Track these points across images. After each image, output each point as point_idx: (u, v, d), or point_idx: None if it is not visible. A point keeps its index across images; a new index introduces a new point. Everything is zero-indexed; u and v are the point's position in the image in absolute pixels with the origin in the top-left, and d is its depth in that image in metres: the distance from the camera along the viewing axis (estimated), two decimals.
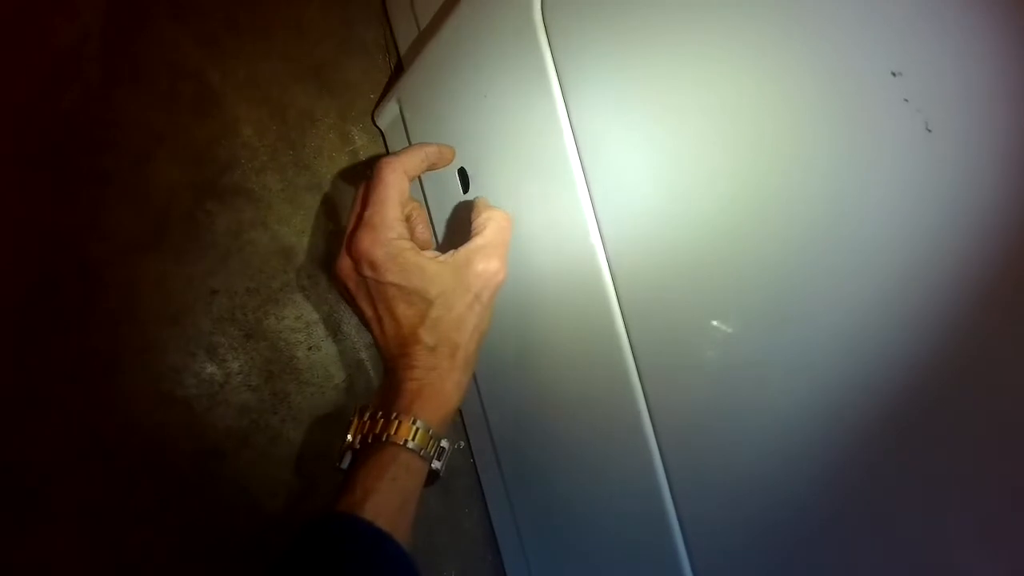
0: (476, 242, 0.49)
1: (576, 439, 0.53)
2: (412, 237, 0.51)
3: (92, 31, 0.58)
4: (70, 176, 0.57)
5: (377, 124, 0.70)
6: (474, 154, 0.55)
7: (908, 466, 0.30)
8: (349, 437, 0.48)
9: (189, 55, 0.62)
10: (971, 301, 0.26)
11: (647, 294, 0.42)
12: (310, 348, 0.65)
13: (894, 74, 0.24)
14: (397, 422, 0.45)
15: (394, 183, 0.50)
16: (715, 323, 0.37)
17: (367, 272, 0.49)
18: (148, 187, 0.59)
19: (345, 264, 0.51)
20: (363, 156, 0.70)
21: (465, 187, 0.57)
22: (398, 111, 0.66)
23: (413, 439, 0.45)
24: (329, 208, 0.68)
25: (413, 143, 0.64)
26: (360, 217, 0.50)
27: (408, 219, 0.53)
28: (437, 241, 0.61)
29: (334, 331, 0.66)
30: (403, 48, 0.69)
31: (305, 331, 0.65)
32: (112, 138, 0.58)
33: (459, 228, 0.58)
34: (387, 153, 0.71)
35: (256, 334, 0.62)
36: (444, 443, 0.48)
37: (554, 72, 0.44)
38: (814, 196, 0.30)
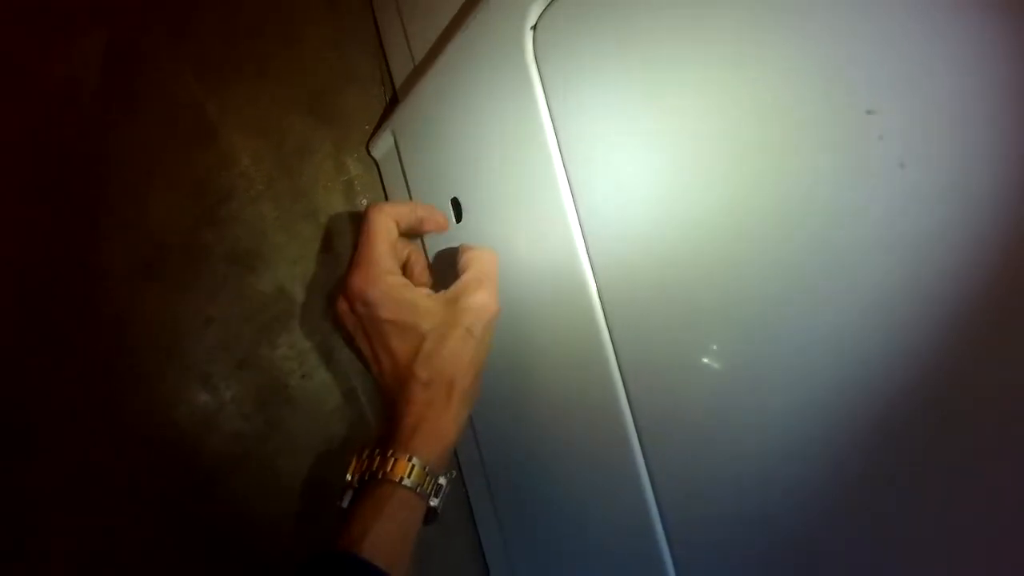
0: (463, 278, 0.50)
1: (565, 466, 0.53)
2: (411, 279, 0.53)
3: (92, 63, 0.59)
4: (68, 204, 0.57)
5: (372, 154, 0.71)
6: (467, 184, 0.56)
7: (894, 476, 0.30)
8: (348, 476, 0.48)
9: (187, 86, 0.63)
10: (948, 330, 0.26)
11: (635, 314, 0.43)
12: (303, 376, 0.65)
13: (869, 112, 0.25)
14: (393, 459, 0.46)
15: (379, 222, 0.52)
16: (704, 360, 0.38)
17: (361, 310, 0.51)
18: (146, 216, 0.60)
19: (342, 306, 0.53)
20: (358, 186, 0.71)
21: (458, 217, 0.58)
22: (392, 142, 0.67)
23: (409, 476, 0.45)
24: (324, 237, 0.68)
25: (407, 173, 0.65)
26: (352, 260, 0.52)
27: (407, 262, 0.55)
28: (435, 281, 0.62)
29: (327, 359, 0.67)
30: (398, 81, 0.71)
31: (298, 359, 0.65)
32: (110, 168, 0.59)
33: (454, 265, 0.59)
34: (381, 182, 0.72)
35: (250, 362, 0.63)
36: (442, 480, 0.48)
37: (545, 107, 0.45)
38: (794, 232, 0.31)
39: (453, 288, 0.50)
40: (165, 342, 0.59)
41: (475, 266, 0.51)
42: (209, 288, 0.61)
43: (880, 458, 0.31)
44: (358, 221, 0.70)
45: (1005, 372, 0.25)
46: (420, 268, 0.57)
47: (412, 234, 0.57)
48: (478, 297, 0.49)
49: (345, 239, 0.69)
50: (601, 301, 0.45)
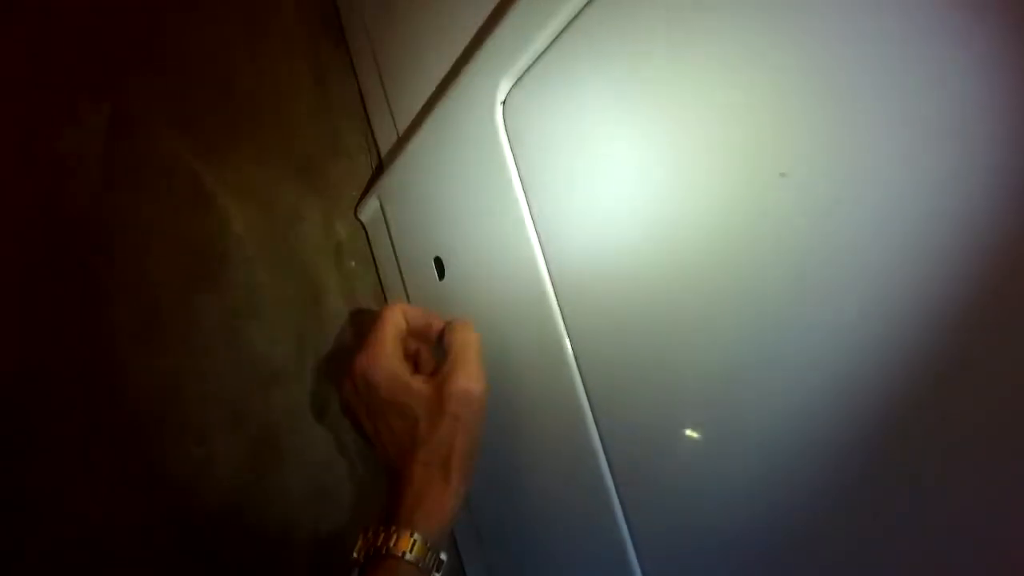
0: (447, 361, 0.53)
1: (547, 512, 0.56)
2: (418, 370, 0.57)
3: (95, 136, 0.63)
4: (70, 271, 0.61)
5: (359, 218, 0.76)
6: (448, 244, 0.60)
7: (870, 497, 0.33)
8: (355, 553, 0.50)
9: (185, 158, 0.67)
10: (880, 385, 0.30)
11: (602, 358, 0.46)
12: (294, 432, 0.68)
13: (782, 175, 0.29)
14: (396, 535, 0.48)
15: (390, 317, 0.56)
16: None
17: (363, 390, 0.55)
18: (144, 280, 0.63)
19: (347, 386, 0.56)
20: (346, 249, 0.75)
21: (441, 274, 0.62)
22: (379, 206, 0.71)
23: (411, 551, 0.47)
24: (314, 298, 0.72)
25: (393, 235, 0.70)
26: (360, 345, 0.56)
27: (417, 354, 0.59)
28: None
29: (318, 414, 0.69)
30: (383, 150, 0.75)
31: (290, 415, 0.68)
32: (111, 236, 0.62)
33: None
34: (368, 245, 0.76)
35: (243, 418, 0.65)
36: (443, 555, 0.50)
37: (516, 172, 0.50)
38: (724, 293, 0.35)
39: (440, 373, 0.53)
40: (160, 398, 0.62)
41: (456, 348, 0.54)
42: (204, 346, 0.64)
43: (853, 482, 0.33)
44: (346, 282, 0.74)
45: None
46: (429, 364, 0.60)
47: (420, 336, 0.60)
48: (461, 383, 0.51)
49: (334, 300, 0.73)
50: (573, 347, 0.49)
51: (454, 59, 0.58)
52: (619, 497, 0.47)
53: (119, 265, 0.62)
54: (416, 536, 0.48)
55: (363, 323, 0.58)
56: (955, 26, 0.25)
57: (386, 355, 0.54)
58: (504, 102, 0.50)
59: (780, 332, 0.33)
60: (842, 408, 0.32)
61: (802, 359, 0.32)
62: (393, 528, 0.48)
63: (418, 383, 0.53)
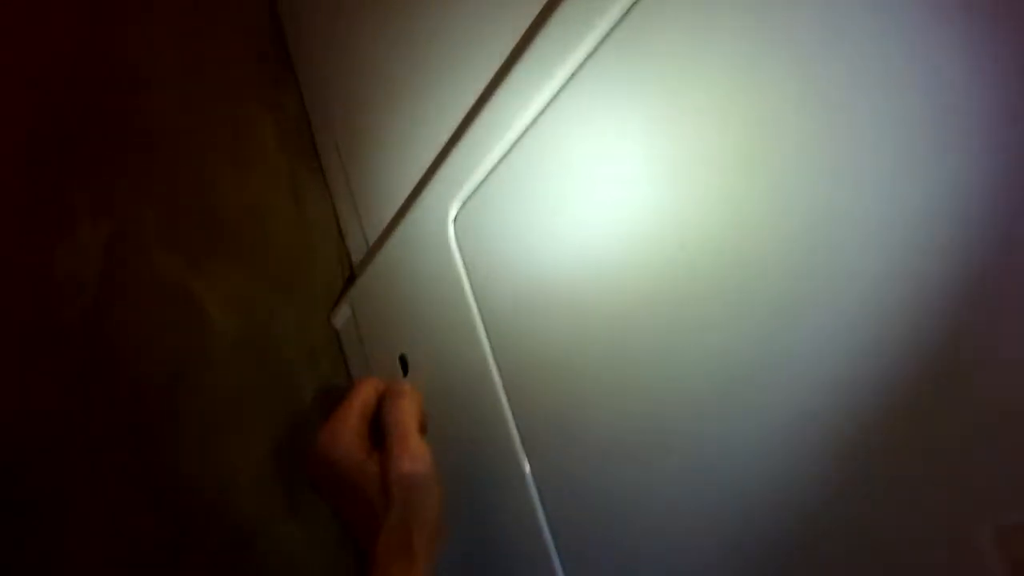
0: (386, 442, 0.54)
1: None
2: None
3: (94, 253, 0.69)
4: (61, 373, 0.65)
5: (333, 324, 0.82)
6: (411, 344, 0.67)
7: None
8: None
9: (174, 273, 0.74)
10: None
11: (549, 445, 0.52)
12: (273, 523, 0.71)
13: (682, 247, 0.37)
14: None
15: (358, 394, 0.57)
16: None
17: (324, 468, 0.56)
18: (129, 382, 0.68)
19: (310, 462, 0.57)
20: (320, 352, 0.81)
21: (405, 371, 0.68)
22: (351, 313, 0.78)
23: None
24: (288, 399, 0.77)
25: (363, 338, 0.76)
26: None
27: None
28: None
29: (294, 508, 0.73)
30: (355, 260, 0.83)
31: (268, 506, 0.71)
32: (105, 344, 0.68)
33: None
34: (340, 348, 0.82)
35: (220, 513, 0.69)
36: None
37: (467, 280, 0.57)
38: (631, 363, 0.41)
39: (383, 453, 0.54)
40: (139, 494, 0.65)
41: (392, 426, 0.55)
42: (182, 446, 0.68)
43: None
44: (320, 384, 0.79)
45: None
46: None
47: None
48: (403, 467, 0.52)
49: (308, 400, 0.78)
50: (520, 433, 0.54)
51: (416, 181, 0.66)
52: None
53: (107, 370, 0.67)
54: None
55: (334, 402, 0.60)
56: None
57: (346, 431, 0.55)
58: (455, 220, 0.57)
59: (717, 410, 0.39)
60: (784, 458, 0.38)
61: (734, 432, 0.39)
62: None
63: (371, 465, 0.53)
